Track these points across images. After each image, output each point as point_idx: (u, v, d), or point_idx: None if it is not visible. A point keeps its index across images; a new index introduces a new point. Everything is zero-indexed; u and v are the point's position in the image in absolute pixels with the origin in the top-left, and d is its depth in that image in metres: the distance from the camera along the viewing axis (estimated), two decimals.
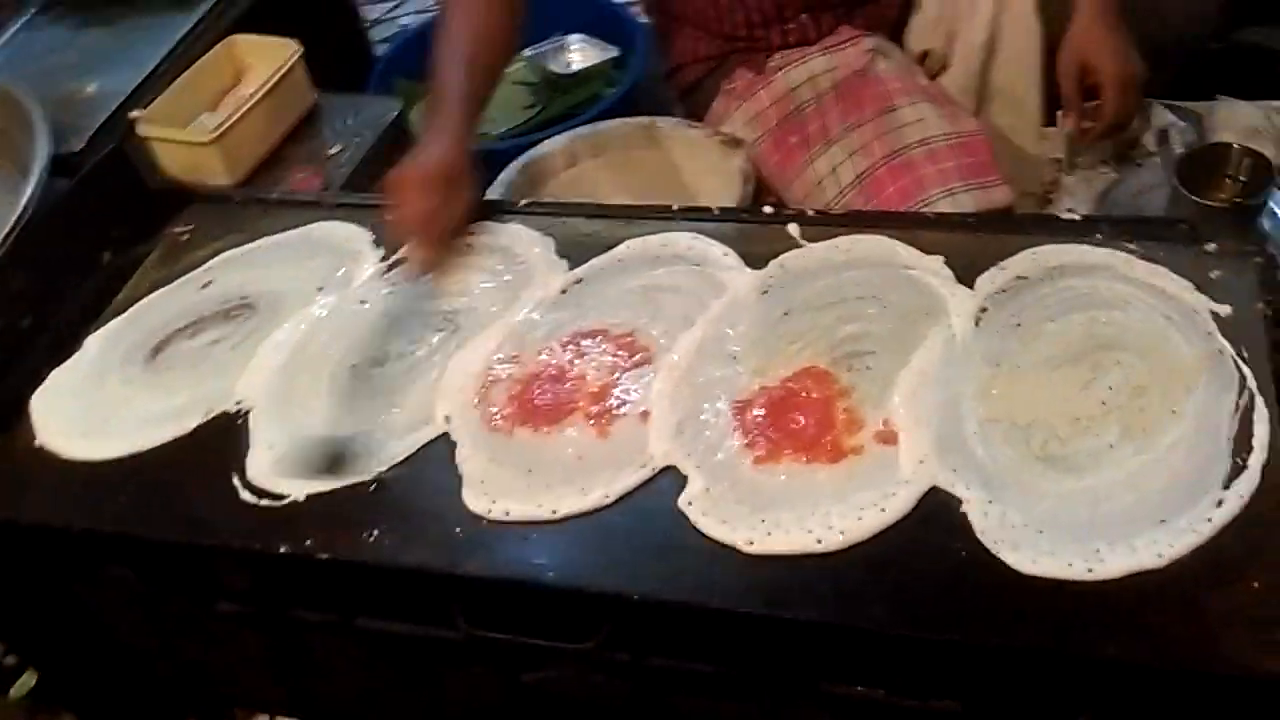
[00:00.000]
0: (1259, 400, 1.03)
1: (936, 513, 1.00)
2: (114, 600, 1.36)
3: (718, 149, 1.73)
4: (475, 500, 1.09)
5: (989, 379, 1.10)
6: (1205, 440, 1.01)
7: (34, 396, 1.30)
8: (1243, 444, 1.00)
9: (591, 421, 1.13)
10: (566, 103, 2.35)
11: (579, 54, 2.46)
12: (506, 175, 1.77)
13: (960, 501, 1.00)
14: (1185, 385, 1.06)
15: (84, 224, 1.48)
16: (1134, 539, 0.95)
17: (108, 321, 1.40)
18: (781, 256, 1.26)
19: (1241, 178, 1.36)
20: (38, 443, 1.25)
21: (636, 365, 1.18)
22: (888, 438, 1.07)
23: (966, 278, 1.20)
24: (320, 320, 1.32)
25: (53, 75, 1.83)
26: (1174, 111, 1.57)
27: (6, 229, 1.36)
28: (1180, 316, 1.12)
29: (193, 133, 1.72)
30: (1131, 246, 1.19)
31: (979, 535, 0.98)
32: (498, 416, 1.16)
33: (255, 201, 1.55)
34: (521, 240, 1.36)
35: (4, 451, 1.26)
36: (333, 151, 1.81)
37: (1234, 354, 1.07)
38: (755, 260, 1.27)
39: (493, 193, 1.76)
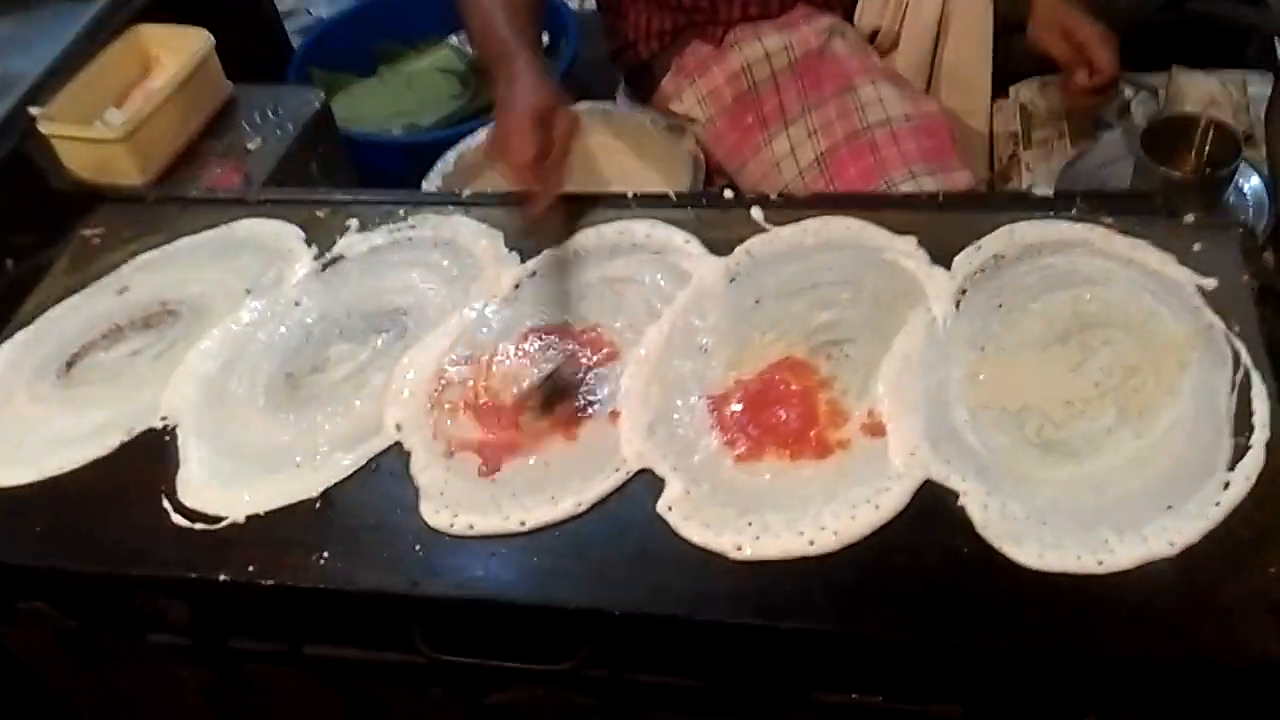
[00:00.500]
0: (1255, 376, 0.99)
1: (933, 507, 0.95)
2: (32, 638, 1.24)
3: (663, 134, 1.66)
4: (434, 514, 1.00)
5: (975, 364, 1.04)
6: (1205, 420, 0.97)
7: None
8: (1243, 423, 0.96)
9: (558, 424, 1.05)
10: None
11: None
12: (441, 167, 1.68)
13: (957, 494, 0.95)
14: (1178, 362, 1.01)
15: None
16: (1143, 527, 0.90)
17: (13, 335, 1.28)
18: (747, 242, 1.20)
19: (1206, 149, 1.33)
20: None
21: (601, 363, 1.11)
22: (875, 429, 1.01)
23: (942, 258, 1.14)
24: (250, 325, 1.22)
25: None
26: (1130, 84, 1.54)
27: None
28: (1165, 291, 1.08)
29: (100, 129, 1.60)
30: (1108, 221, 1.15)
31: (980, 530, 0.92)
32: (455, 423, 1.07)
33: (171, 200, 1.44)
34: (467, 233, 1.28)
35: None
36: (253, 146, 1.70)
37: (1224, 329, 1.03)
38: (718, 247, 1.20)
39: (427, 186, 1.67)
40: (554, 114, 1.23)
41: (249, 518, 1.03)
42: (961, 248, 1.15)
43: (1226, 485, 0.92)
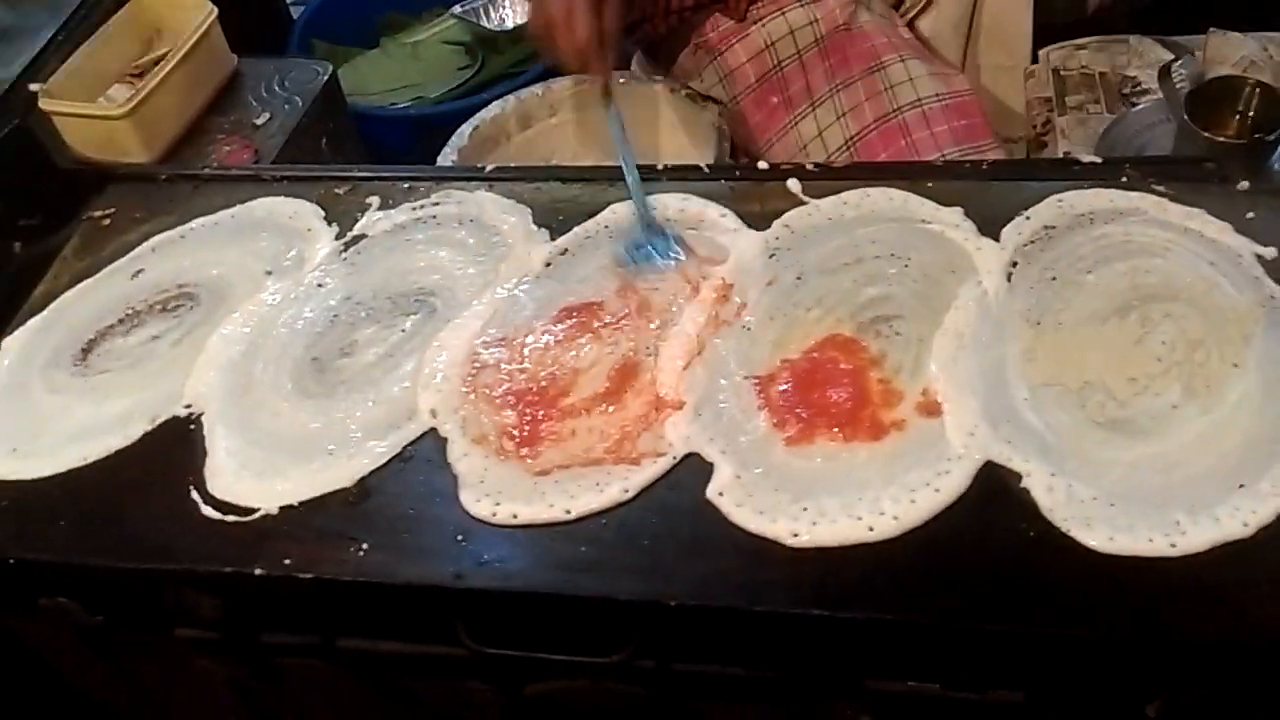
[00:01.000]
0: None
1: (996, 490, 0.91)
2: (54, 634, 1.20)
3: (685, 104, 1.61)
4: (475, 503, 0.97)
5: (1031, 339, 1.01)
6: (1273, 394, 0.94)
7: None
8: None
9: (600, 408, 1.02)
10: (504, 62, 2.20)
11: (512, 9, 2.31)
12: (455, 141, 1.63)
13: (1020, 476, 0.91)
14: (1242, 335, 0.98)
15: None
16: (1215, 507, 0.87)
17: (25, 321, 1.23)
18: (785, 216, 1.16)
19: (1251, 113, 1.29)
20: None
21: (640, 343, 1.07)
22: (930, 409, 0.97)
23: (989, 230, 1.11)
24: (273, 308, 1.18)
25: None
26: (1166, 46, 1.50)
27: None
28: (1224, 261, 1.04)
29: (103, 106, 1.55)
30: (1161, 189, 1.12)
31: (1046, 513, 0.89)
32: (492, 407, 1.03)
33: (183, 178, 1.39)
34: (493, 210, 1.23)
35: None
36: (261, 121, 1.65)
37: None
38: (755, 221, 1.17)
39: (442, 161, 1.62)
40: None
41: (282, 509, 1.00)
42: (1009, 218, 1.11)
43: None
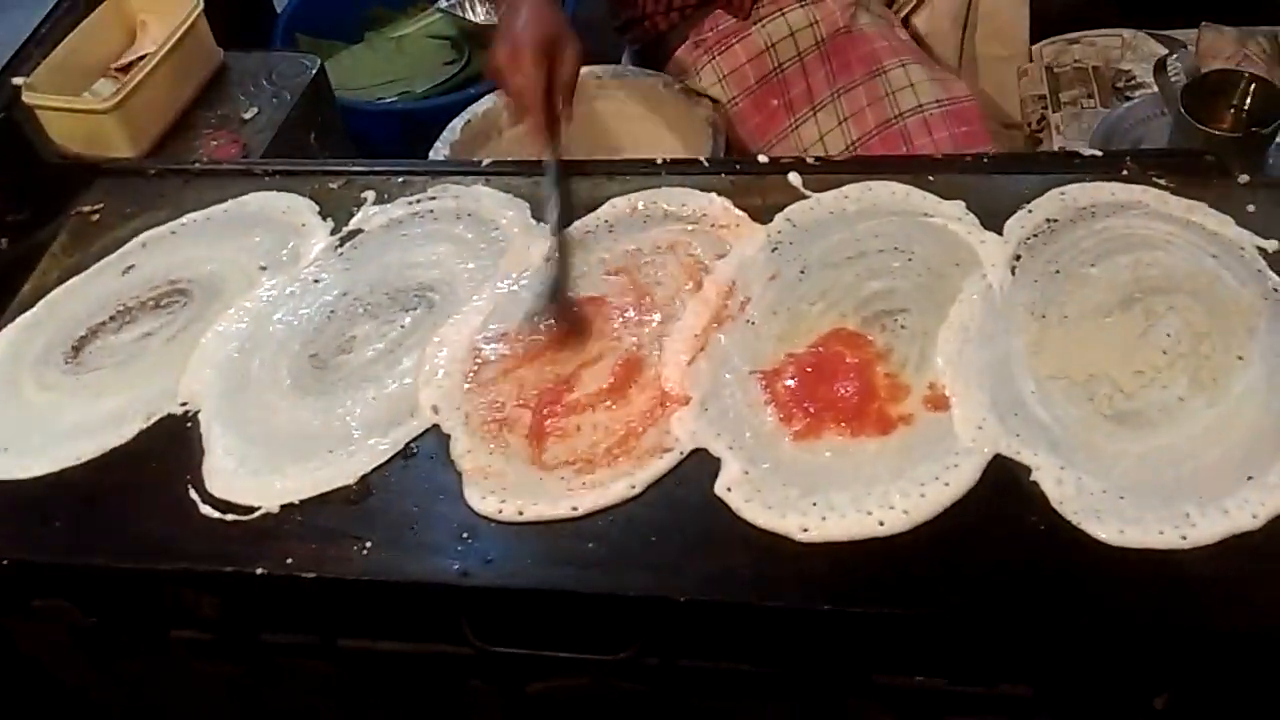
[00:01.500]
0: None
1: (1005, 483, 0.91)
2: (47, 635, 1.18)
3: (680, 99, 1.60)
4: (480, 500, 0.96)
5: (1037, 333, 1.01)
6: (1278, 387, 0.94)
7: None
8: None
9: (604, 403, 1.01)
10: None
11: (497, 2, 2.29)
12: (447, 136, 1.62)
13: (1029, 469, 0.91)
14: (1246, 327, 0.99)
15: None
16: (1224, 499, 0.87)
17: (14, 318, 1.21)
18: (787, 210, 1.15)
19: (1245, 107, 1.30)
20: None
21: (644, 338, 1.06)
22: (938, 403, 0.97)
23: (992, 223, 1.11)
24: (269, 305, 1.16)
25: None
26: (1159, 40, 1.51)
27: None
28: (1226, 254, 1.05)
29: (88, 100, 1.52)
30: (1161, 182, 1.12)
31: (1056, 506, 0.89)
32: (495, 403, 1.02)
33: (174, 173, 1.37)
34: (490, 204, 1.22)
35: None
36: (248, 115, 1.63)
37: None
38: (757, 214, 1.16)
39: (434, 156, 1.61)
40: (560, 43, 1.20)
41: (283, 507, 0.98)
42: (1012, 211, 1.11)
43: None
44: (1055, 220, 1.09)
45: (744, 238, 1.13)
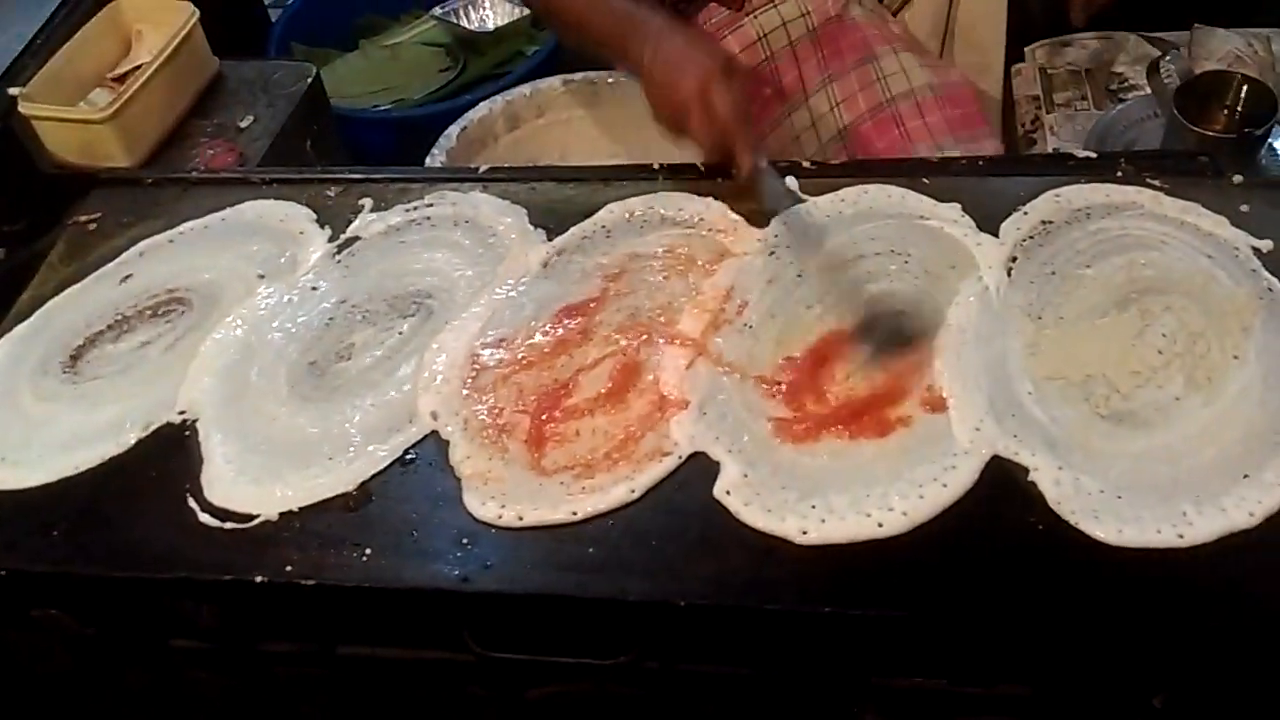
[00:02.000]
0: None
1: (1003, 484, 0.91)
2: (43, 645, 1.18)
3: None
4: (480, 506, 0.96)
5: (1033, 334, 1.01)
6: (1274, 385, 0.95)
7: None
8: None
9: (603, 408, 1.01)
10: (486, 63, 2.19)
11: (493, 10, 2.30)
12: (443, 143, 1.63)
13: (1027, 470, 0.91)
14: (1241, 327, 0.99)
15: None
16: (1221, 498, 0.87)
17: (11, 328, 1.21)
18: (783, 214, 1.15)
19: (1238, 108, 1.31)
20: None
21: (642, 342, 1.06)
22: (935, 404, 0.97)
23: (987, 225, 1.11)
24: (267, 313, 1.16)
25: None
26: (1151, 42, 1.52)
27: None
28: (1220, 254, 1.05)
29: (84, 110, 1.53)
30: (1156, 183, 1.12)
31: (1054, 506, 0.89)
32: (494, 409, 1.03)
33: (171, 182, 1.37)
34: (488, 211, 1.23)
35: None
36: (244, 124, 1.64)
37: None
38: (753, 219, 1.16)
39: (430, 163, 1.61)
40: (732, 65, 1.17)
41: (282, 515, 0.98)
42: (1007, 213, 1.12)
43: None
44: (1051, 222, 1.10)
45: (741, 242, 1.14)
